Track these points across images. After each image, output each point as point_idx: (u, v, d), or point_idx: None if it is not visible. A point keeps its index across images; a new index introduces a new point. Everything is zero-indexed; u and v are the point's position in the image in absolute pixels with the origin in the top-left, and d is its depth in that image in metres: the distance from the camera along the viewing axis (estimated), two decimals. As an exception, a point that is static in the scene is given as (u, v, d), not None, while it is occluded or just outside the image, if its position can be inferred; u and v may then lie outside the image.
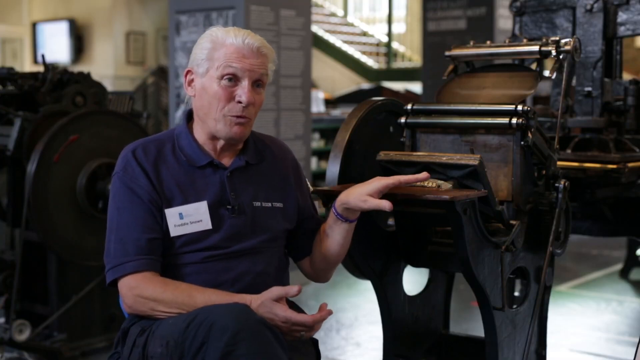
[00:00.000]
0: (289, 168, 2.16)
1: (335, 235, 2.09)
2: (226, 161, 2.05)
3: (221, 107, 1.97)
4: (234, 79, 1.97)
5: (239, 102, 1.97)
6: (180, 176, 2.00)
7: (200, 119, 2.03)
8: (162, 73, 10.86)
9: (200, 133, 2.05)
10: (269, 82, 2.07)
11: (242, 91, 1.97)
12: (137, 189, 1.96)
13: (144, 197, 1.96)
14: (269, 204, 2.07)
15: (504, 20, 7.49)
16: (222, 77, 1.96)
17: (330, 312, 1.88)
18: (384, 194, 2.01)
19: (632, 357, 2.19)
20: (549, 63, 2.63)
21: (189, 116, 2.10)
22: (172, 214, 1.96)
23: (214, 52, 1.97)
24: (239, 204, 2.02)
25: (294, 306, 2.05)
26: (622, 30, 3.27)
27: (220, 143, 2.03)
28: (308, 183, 2.25)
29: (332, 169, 2.36)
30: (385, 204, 1.97)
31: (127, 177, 1.98)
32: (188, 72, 2.04)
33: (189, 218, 1.97)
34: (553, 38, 2.50)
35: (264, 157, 2.12)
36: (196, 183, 2.01)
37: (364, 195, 2.00)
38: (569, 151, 3.21)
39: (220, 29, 2.01)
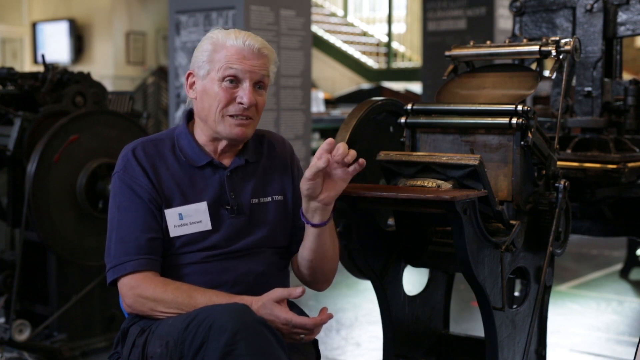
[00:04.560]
0: (288, 160, 2.15)
1: (306, 239, 2.04)
2: (226, 161, 2.05)
3: (221, 108, 1.97)
4: (235, 80, 1.97)
5: (240, 103, 1.97)
6: (180, 176, 2.00)
7: (202, 121, 2.03)
8: (162, 73, 10.89)
9: (201, 134, 2.05)
10: (271, 83, 2.06)
11: (244, 92, 1.96)
12: (137, 189, 1.96)
13: (144, 196, 1.96)
14: (269, 199, 2.07)
15: (504, 20, 7.49)
16: (223, 79, 1.96)
17: (330, 316, 1.87)
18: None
19: (632, 357, 2.19)
20: (549, 63, 2.63)
21: (189, 116, 2.10)
22: (171, 215, 1.96)
23: (215, 54, 1.97)
24: (238, 204, 2.02)
25: (294, 308, 2.05)
26: (622, 30, 3.27)
27: (222, 144, 2.03)
28: None
29: (332, 169, 2.35)
30: (319, 162, 1.87)
31: (127, 176, 1.98)
32: (189, 74, 2.04)
33: (188, 218, 1.97)
34: (553, 38, 2.50)
35: (262, 153, 2.12)
36: (196, 183, 2.01)
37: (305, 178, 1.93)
38: (569, 151, 3.21)
39: (221, 31, 2.00)
